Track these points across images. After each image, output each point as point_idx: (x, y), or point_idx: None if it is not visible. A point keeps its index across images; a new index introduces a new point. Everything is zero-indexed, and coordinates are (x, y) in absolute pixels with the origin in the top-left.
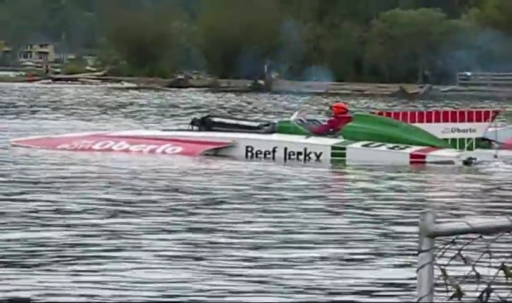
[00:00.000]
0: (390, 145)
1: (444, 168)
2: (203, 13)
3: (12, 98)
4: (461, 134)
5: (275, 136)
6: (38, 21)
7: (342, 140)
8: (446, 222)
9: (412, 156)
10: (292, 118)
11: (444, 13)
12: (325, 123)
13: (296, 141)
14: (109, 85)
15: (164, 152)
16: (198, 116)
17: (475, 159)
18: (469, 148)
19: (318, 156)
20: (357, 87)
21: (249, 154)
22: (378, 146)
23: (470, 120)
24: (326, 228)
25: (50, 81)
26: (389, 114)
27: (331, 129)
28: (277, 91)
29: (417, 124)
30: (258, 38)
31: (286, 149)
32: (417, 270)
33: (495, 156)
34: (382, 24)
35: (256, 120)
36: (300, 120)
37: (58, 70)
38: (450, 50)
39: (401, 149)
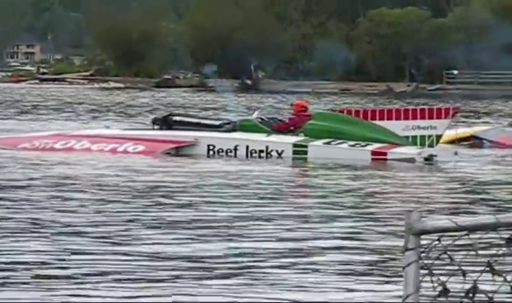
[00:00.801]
0: (352, 143)
1: (407, 166)
2: (189, 13)
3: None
4: (422, 132)
5: (236, 134)
6: (24, 22)
7: (304, 138)
8: (430, 220)
9: (373, 153)
10: (253, 116)
11: (430, 12)
12: (286, 121)
13: (258, 139)
14: (96, 85)
15: (125, 151)
16: (159, 115)
17: (435, 156)
18: (430, 145)
19: (279, 154)
20: (344, 86)
21: (211, 152)
22: (340, 143)
23: (431, 117)
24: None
25: (37, 81)
26: (349, 112)
27: (292, 127)
28: (263, 91)
29: (378, 122)
30: (245, 38)
31: (247, 147)
32: (403, 268)
33: (456, 154)
34: (368, 23)
35: (217, 119)
36: (261, 118)
37: (45, 70)
38: (436, 48)
39: (362, 146)
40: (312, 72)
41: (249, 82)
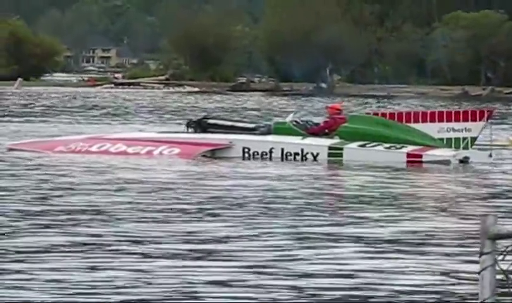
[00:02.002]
0: (387, 145)
1: (478, 169)
2: (264, 17)
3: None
4: (457, 134)
5: (271, 137)
6: (100, 26)
7: (339, 140)
8: (505, 224)
9: (408, 155)
10: (288, 119)
11: (506, 15)
12: (321, 124)
13: (293, 142)
14: (171, 89)
15: (161, 154)
16: (194, 118)
17: (469, 158)
18: (465, 148)
19: (315, 157)
20: (420, 90)
21: (246, 155)
22: (375, 146)
23: (465, 120)
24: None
25: (112, 85)
26: (384, 115)
27: (326, 130)
28: (338, 94)
29: (413, 124)
30: (320, 41)
31: (282, 149)
32: (479, 272)
33: (490, 156)
34: (444, 27)
35: (252, 122)
36: (295, 121)
37: (121, 75)
38: None
39: (398, 149)
40: (387, 76)
41: (324, 85)
